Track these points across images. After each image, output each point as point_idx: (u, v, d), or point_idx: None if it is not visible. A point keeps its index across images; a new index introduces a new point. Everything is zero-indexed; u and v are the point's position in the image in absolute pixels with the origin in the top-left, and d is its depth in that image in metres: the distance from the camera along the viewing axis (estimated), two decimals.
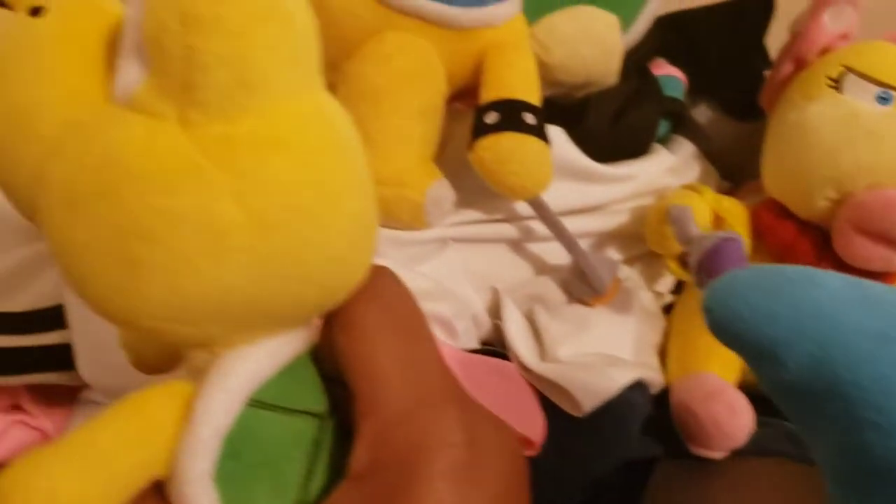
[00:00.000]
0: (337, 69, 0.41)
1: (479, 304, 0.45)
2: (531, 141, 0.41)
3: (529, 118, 0.41)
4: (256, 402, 0.21)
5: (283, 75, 0.19)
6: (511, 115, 0.41)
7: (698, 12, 0.57)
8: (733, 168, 0.56)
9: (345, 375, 0.22)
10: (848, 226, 0.42)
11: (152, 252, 0.18)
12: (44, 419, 0.42)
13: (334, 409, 0.23)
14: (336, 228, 0.20)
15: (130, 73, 0.19)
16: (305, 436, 0.22)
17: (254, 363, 0.21)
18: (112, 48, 0.20)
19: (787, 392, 0.21)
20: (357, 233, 0.21)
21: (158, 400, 0.20)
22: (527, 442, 0.36)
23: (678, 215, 0.42)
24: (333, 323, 0.23)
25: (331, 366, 0.23)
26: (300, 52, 0.19)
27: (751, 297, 0.21)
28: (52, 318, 0.43)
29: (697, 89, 0.56)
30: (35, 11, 0.20)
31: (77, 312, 0.41)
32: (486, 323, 0.45)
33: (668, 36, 0.55)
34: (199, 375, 0.21)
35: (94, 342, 0.40)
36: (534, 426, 0.37)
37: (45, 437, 0.42)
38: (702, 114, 0.57)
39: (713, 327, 0.22)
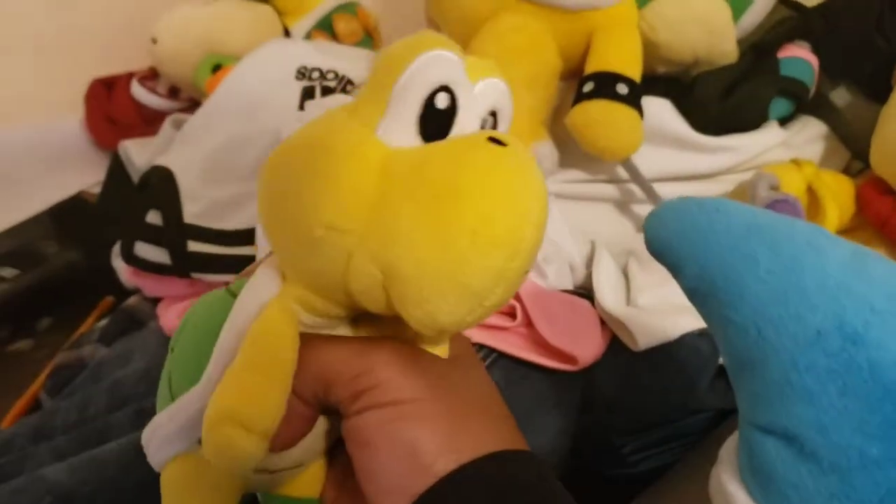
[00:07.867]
0: (466, 46, 0.50)
1: (577, 254, 0.51)
2: (620, 108, 0.46)
3: (622, 88, 0.47)
4: None
5: None
6: (604, 85, 0.47)
7: None
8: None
9: None
10: None
11: None
12: None
13: None
14: None
15: None
16: None
17: None
18: None
19: (691, 297, 0.27)
20: None
21: None
22: (571, 359, 0.42)
23: (756, 181, 0.45)
24: None
25: None
26: None
27: (669, 220, 0.27)
28: (249, 236, 0.56)
29: (836, 72, 0.56)
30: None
31: (263, 238, 0.54)
32: (582, 271, 0.51)
33: (809, 21, 0.56)
34: None
35: None
36: (584, 348, 0.43)
37: None
38: (840, 96, 0.58)
39: (647, 246, 0.28)
